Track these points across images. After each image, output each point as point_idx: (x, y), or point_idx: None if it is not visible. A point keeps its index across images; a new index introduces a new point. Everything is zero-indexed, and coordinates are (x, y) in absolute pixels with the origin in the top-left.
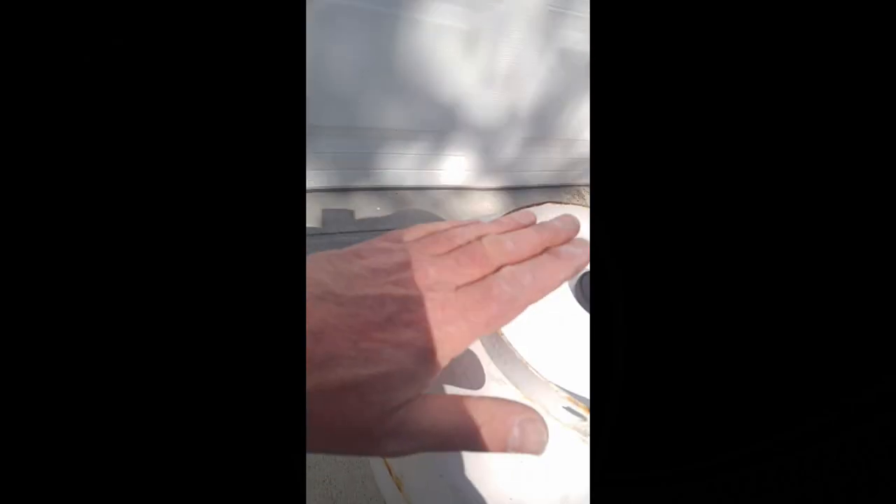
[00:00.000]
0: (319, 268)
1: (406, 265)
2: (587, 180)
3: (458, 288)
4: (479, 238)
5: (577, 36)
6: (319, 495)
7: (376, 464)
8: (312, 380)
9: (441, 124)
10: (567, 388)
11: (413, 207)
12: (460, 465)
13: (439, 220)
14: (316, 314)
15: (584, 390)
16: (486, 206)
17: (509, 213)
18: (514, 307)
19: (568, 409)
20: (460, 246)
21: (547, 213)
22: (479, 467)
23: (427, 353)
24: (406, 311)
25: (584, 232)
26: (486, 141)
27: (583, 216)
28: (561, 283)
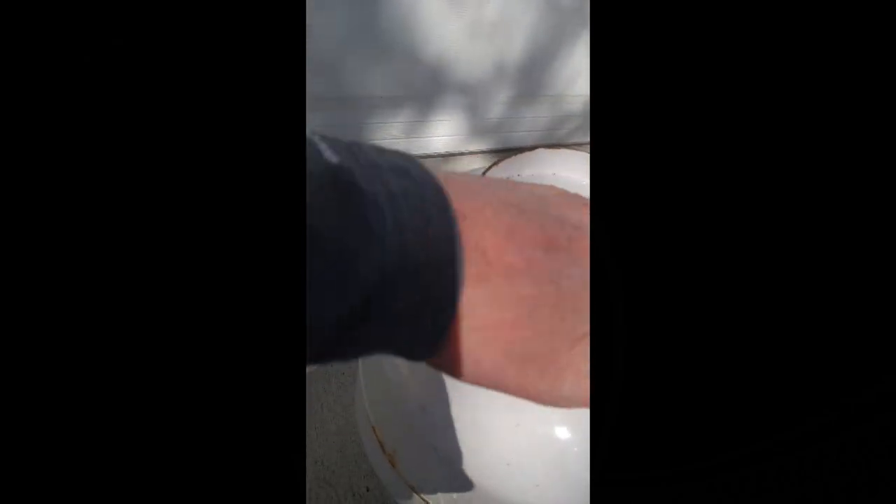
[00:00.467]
0: (494, 182)
1: (561, 204)
2: (575, 139)
3: None
4: None
5: None
6: (313, 478)
7: (369, 442)
8: (494, 288)
9: (427, 87)
10: None
11: None
12: (454, 437)
13: None
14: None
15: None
16: (475, 169)
17: (501, 159)
18: None
19: None
20: None
21: (540, 158)
22: (474, 436)
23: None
24: (579, 236)
25: (581, 177)
26: (473, 102)
27: (574, 159)
28: None
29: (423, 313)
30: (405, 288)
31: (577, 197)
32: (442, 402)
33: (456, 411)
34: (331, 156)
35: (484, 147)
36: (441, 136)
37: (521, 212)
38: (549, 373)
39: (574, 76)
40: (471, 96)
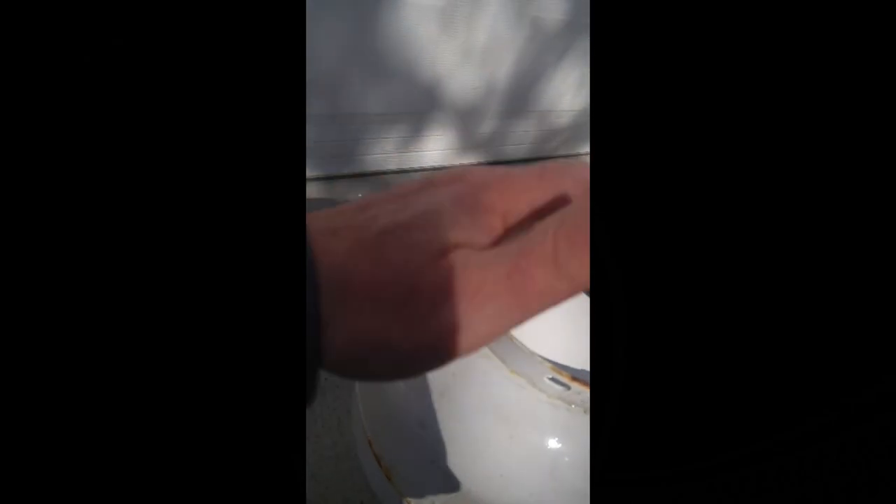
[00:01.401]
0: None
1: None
2: (564, 151)
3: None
4: None
5: (549, 4)
6: (308, 491)
7: (365, 455)
8: (352, 238)
9: (421, 105)
10: (550, 359)
11: None
12: (452, 451)
13: None
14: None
15: (567, 360)
16: None
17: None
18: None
19: (553, 379)
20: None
21: None
22: (470, 448)
23: (467, 200)
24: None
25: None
26: (464, 118)
27: None
28: None
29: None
30: None
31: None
32: (440, 416)
33: (452, 425)
34: None
35: (476, 160)
36: (434, 150)
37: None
38: (432, 304)
39: (560, 94)
40: (463, 113)
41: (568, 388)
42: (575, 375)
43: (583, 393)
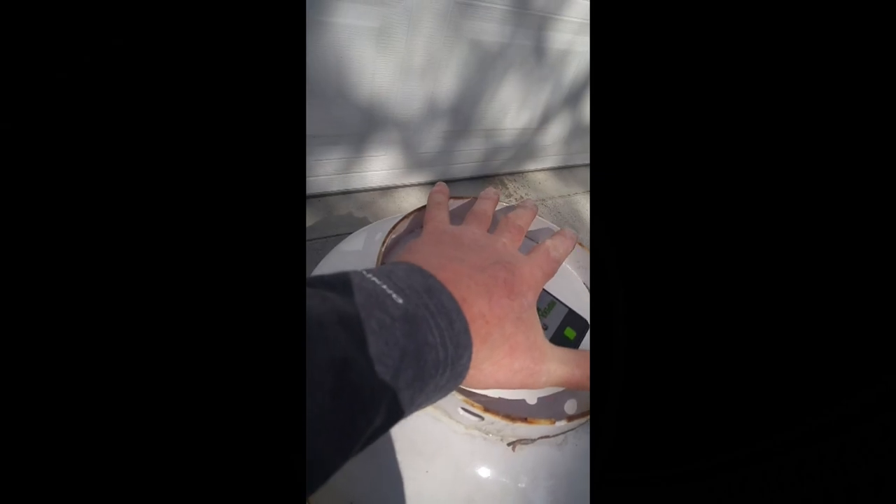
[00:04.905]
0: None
1: (489, 245)
2: (509, 168)
3: (527, 254)
4: (497, 212)
5: (486, 26)
6: None
7: None
8: (492, 337)
9: (361, 126)
10: (462, 388)
11: (339, 213)
12: (369, 487)
13: (366, 223)
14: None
15: (478, 389)
16: (413, 202)
17: (421, 208)
18: (557, 266)
19: (465, 410)
20: (493, 221)
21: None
22: (388, 485)
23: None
24: (515, 270)
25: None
26: (407, 138)
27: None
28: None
29: (458, 365)
30: (447, 364)
31: (487, 236)
32: (357, 455)
33: (370, 463)
34: (396, 298)
35: (422, 180)
36: (378, 170)
37: (482, 270)
38: (537, 372)
39: (502, 112)
40: (405, 132)
41: (481, 418)
42: (488, 406)
43: (497, 423)
